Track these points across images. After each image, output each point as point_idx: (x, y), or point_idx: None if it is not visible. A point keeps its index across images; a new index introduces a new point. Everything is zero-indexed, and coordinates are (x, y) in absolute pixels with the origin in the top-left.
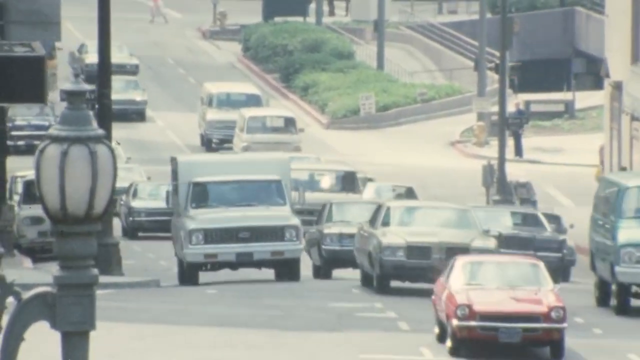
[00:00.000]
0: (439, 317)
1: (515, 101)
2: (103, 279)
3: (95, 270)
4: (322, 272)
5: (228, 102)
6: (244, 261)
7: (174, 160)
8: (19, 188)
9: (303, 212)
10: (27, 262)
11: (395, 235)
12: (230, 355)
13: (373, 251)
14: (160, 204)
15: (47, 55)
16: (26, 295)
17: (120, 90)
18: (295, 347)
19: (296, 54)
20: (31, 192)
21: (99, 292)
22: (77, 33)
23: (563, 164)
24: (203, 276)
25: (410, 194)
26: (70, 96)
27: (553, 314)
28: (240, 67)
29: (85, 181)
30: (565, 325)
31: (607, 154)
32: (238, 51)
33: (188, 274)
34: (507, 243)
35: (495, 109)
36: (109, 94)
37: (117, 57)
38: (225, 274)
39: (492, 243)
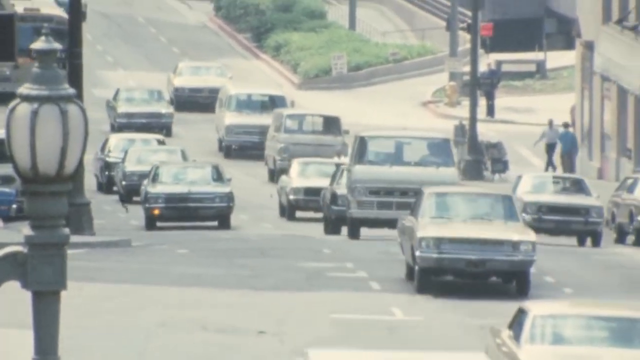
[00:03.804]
0: None
1: (487, 61)
2: (74, 238)
3: (67, 230)
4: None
5: (249, 104)
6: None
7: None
8: None
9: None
10: None
11: None
12: (200, 315)
13: None
14: (181, 188)
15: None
16: None
17: (142, 103)
18: (265, 307)
19: (268, 14)
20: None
21: (70, 252)
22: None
23: (534, 124)
24: (173, 235)
25: (578, 187)
26: (41, 55)
27: None
28: (212, 26)
29: (56, 140)
30: None
31: (578, 114)
32: (210, 10)
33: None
34: None
35: (467, 69)
36: (80, 53)
37: (216, 81)
38: (194, 232)
39: None
